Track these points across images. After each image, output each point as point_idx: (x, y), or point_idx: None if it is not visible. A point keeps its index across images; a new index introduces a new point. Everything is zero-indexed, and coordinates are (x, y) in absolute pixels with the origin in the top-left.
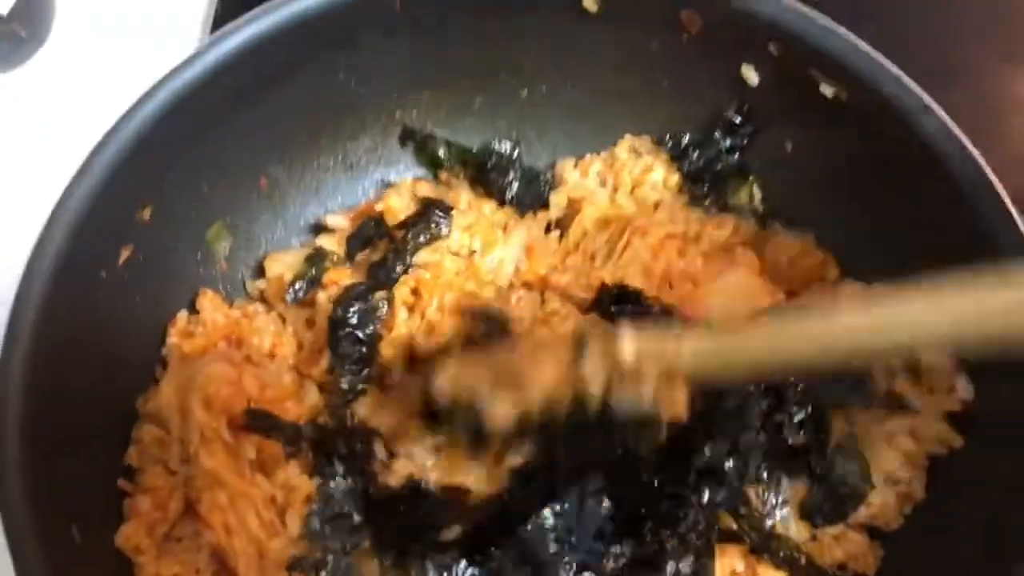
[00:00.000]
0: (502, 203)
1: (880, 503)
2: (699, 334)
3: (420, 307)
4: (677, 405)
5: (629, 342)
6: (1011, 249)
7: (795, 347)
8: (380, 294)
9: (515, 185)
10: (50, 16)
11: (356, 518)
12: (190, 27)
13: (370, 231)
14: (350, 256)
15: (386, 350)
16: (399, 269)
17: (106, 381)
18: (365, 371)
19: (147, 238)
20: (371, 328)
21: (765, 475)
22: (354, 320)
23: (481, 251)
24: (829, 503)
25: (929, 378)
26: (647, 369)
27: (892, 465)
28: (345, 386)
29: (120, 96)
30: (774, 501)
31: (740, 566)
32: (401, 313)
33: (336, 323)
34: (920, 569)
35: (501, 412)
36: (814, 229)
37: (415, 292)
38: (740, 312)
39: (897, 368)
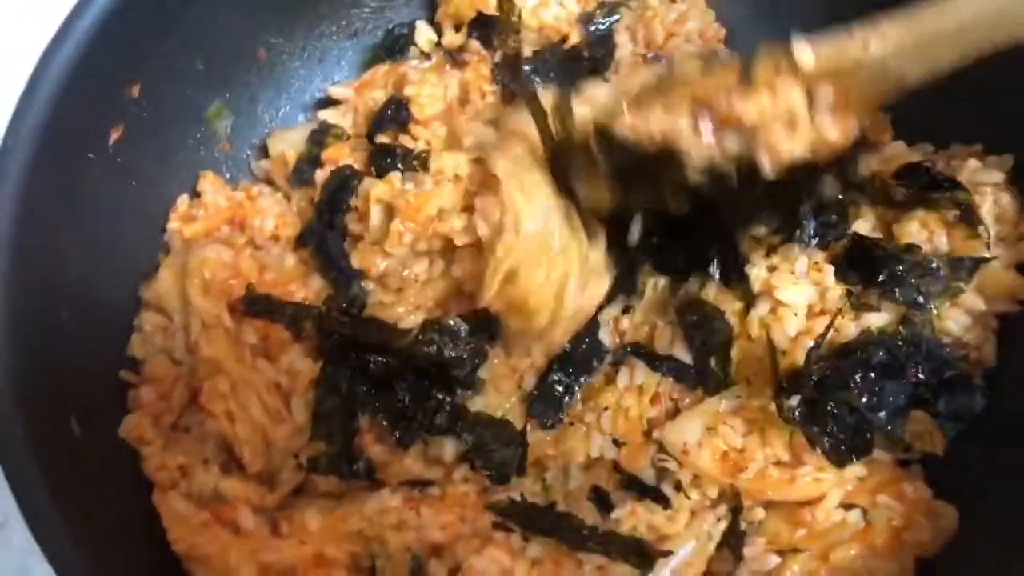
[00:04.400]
0: None
1: None
2: (893, 25)
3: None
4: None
5: (806, 50)
6: None
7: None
8: (368, 182)
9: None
10: None
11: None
12: None
13: (390, 117)
14: (370, 136)
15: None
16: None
17: (105, 270)
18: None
19: (138, 117)
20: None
21: None
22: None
23: None
24: None
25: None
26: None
27: (957, 328)
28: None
29: None
30: None
31: None
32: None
33: (323, 209)
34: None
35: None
36: None
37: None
38: None
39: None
